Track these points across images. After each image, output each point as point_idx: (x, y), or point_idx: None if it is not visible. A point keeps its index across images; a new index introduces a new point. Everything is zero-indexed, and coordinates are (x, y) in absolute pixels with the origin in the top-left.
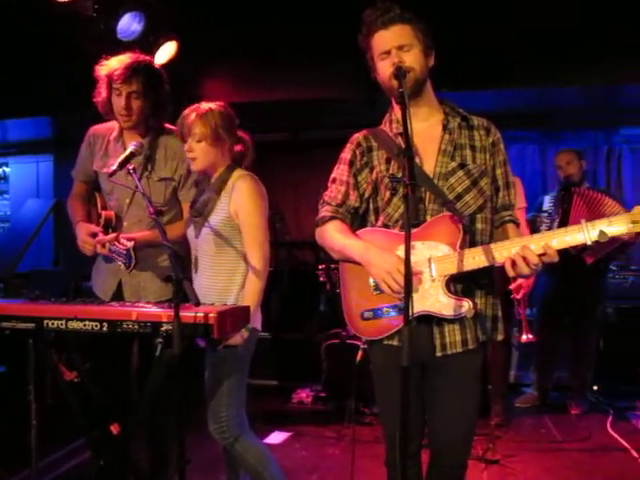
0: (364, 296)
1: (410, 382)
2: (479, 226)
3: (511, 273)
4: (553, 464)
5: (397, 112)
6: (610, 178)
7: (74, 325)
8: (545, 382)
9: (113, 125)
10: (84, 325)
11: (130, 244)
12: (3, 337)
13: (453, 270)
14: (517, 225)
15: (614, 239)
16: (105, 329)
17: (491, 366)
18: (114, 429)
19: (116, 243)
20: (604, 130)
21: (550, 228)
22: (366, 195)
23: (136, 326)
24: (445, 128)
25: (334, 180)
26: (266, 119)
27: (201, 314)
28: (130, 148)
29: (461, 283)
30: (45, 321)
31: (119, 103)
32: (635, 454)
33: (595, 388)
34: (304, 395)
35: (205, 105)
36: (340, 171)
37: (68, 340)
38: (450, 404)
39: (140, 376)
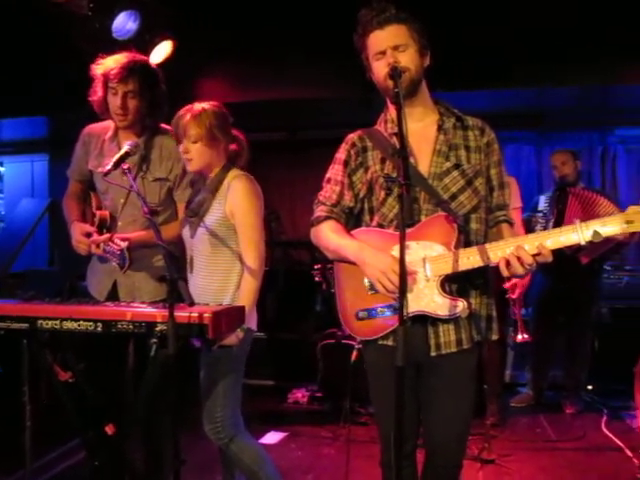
0: (359, 296)
1: (405, 382)
2: (473, 226)
3: (505, 273)
4: (548, 463)
5: (392, 112)
6: (605, 178)
7: (68, 325)
8: (540, 381)
9: (108, 124)
10: (79, 325)
11: (124, 244)
12: None
13: (448, 270)
14: (511, 225)
15: (609, 239)
16: (100, 329)
17: (486, 366)
18: (109, 429)
19: (110, 243)
20: (599, 130)
21: (545, 228)
22: (361, 195)
23: (131, 326)
24: (440, 128)
25: (329, 180)
26: (262, 119)
27: (195, 314)
28: (125, 147)
29: (456, 283)
30: (39, 321)
31: (115, 102)
32: (629, 453)
33: (590, 387)
34: (300, 395)
35: (198, 105)
36: (335, 171)
37: (63, 340)
38: (445, 404)
39: (135, 376)
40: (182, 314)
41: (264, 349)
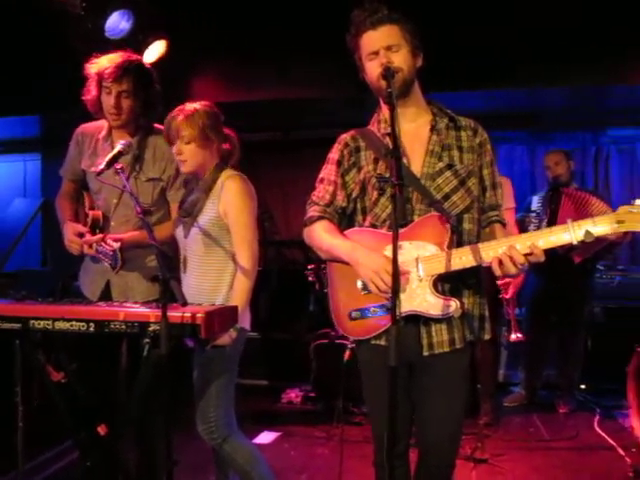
0: (352, 296)
1: (398, 382)
2: (466, 226)
3: (498, 273)
4: (541, 463)
5: (385, 112)
6: (598, 178)
7: (61, 325)
8: (533, 381)
9: (102, 124)
10: (71, 325)
11: (117, 245)
12: None
13: (440, 270)
14: (504, 225)
15: (601, 239)
16: (92, 329)
17: (480, 365)
18: (102, 430)
19: (103, 244)
20: (592, 131)
21: (538, 228)
22: (354, 195)
23: (123, 326)
24: (433, 129)
25: (322, 180)
26: (255, 119)
27: (188, 314)
28: (118, 147)
29: (448, 283)
30: (31, 321)
31: (109, 102)
32: (622, 452)
33: (583, 387)
34: (293, 395)
35: (190, 106)
36: (328, 171)
37: (55, 340)
38: (437, 404)
39: (128, 376)
40: (175, 314)
41: (257, 349)
